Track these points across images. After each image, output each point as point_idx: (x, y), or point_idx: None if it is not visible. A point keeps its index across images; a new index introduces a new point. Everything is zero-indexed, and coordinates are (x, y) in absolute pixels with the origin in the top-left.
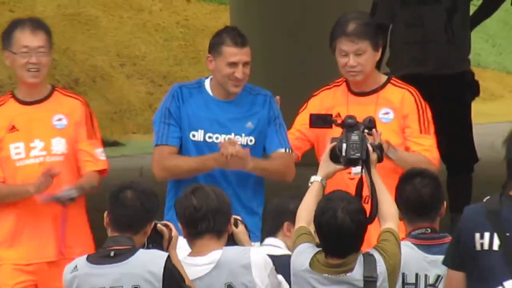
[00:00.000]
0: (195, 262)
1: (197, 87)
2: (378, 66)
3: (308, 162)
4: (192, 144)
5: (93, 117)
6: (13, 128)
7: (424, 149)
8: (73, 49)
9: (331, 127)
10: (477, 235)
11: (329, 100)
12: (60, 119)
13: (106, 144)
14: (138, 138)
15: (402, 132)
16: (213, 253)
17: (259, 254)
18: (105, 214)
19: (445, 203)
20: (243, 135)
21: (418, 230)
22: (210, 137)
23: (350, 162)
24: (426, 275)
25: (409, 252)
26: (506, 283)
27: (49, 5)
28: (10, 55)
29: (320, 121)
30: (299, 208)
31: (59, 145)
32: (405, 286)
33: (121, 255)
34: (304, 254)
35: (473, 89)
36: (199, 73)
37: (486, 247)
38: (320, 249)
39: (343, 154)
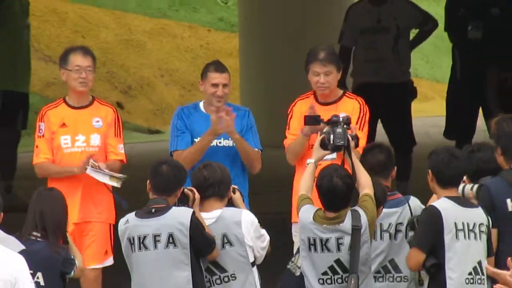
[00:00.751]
0: (202, 216)
1: (193, 108)
2: (344, 76)
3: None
4: None
5: (120, 121)
6: (63, 125)
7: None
8: (127, 64)
9: (319, 124)
10: (508, 200)
11: (304, 107)
12: (98, 121)
13: (150, 132)
14: None
15: None
16: (215, 211)
17: (248, 214)
18: (148, 182)
19: (395, 168)
20: (229, 139)
21: None
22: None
23: (336, 148)
24: (381, 224)
25: None
26: None
27: (110, 33)
28: (66, 72)
29: (312, 120)
30: (300, 182)
31: (95, 140)
32: None
33: (160, 211)
34: (308, 212)
35: (413, 93)
36: None
37: None
38: (318, 208)
39: (331, 142)
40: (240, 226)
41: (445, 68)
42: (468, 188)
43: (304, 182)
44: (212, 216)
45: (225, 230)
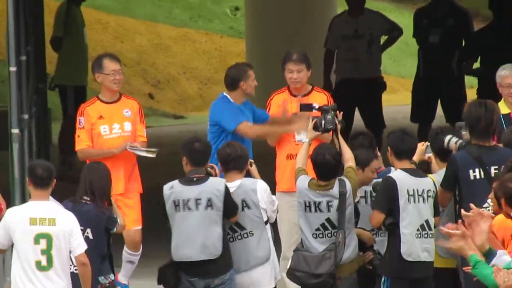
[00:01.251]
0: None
1: (226, 98)
2: (328, 73)
3: None
4: None
5: (142, 111)
6: (100, 117)
7: None
8: (157, 63)
9: (312, 110)
10: (471, 170)
11: (281, 99)
12: (127, 111)
13: (175, 117)
14: (194, 114)
15: None
16: (236, 181)
17: (262, 183)
18: (184, 158)
19: (377, 147)
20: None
21: None
22: None
23: (326, 131)
24: (371, 191)
25: None
26: (489, 197)
27: (143, 38)
28: (101, 75)
29: (307, 107)
30: (297, 157)
31: (128, 126)
32: (360, 198)
33: (200, 180)
34: (304, 181)
35: (383, 86)
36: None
37: (478, 177)
38: (312, 177)
39: (323, 126)
40: (256, 192)
41: (408, 67)
42: (453, 141)
43: (300, 157)
44: (234, 185)
45: (244, 196)
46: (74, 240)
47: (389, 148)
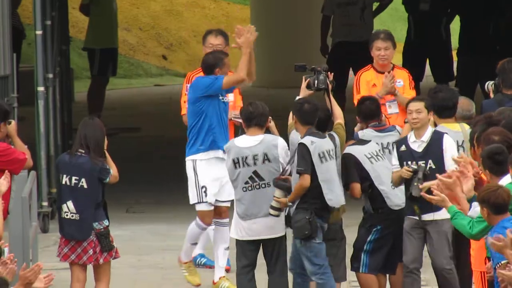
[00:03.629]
0: (249, 139)
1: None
2: (325, 36)
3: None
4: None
5: None
6: None
7: (410, 95)
8: (170, 27)
9: (305, 70)
10: (493, 112)
11: (368, 77)
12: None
13: (185, 76)
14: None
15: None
16: (258, 136)
17: (282, 140)
18: (294, 118)
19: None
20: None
21: (373, 123)
22: None
23: (318, 90)
24: (381, 143)
25: (370, 134)
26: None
27: (157, 5)
28: (203, 47)
29: (301, 68)
30: (290, 113)
31: (231, 96)
32: None
33: (321, 135)
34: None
35: None
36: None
37: None
38: None
39: (315, 85)
40: (277, 148)
41: (397, 31)
42: (489, 84)
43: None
44: (256, 140)
45: (266, 150)
46: None
47: (357, 118)
